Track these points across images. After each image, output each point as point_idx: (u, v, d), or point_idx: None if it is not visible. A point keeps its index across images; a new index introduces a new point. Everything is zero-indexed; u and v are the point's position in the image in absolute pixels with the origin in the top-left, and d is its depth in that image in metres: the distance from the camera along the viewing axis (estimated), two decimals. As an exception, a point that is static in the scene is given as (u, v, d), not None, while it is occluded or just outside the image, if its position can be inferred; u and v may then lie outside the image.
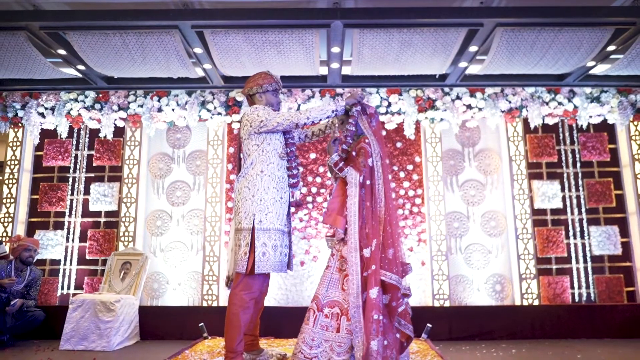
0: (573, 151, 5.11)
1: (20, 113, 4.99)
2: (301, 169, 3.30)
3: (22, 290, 4.35)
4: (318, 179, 4.99)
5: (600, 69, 4.62)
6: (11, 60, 4.11)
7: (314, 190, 4.98)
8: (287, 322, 4.28)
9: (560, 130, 5.13)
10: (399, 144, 5.07)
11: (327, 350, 2.62)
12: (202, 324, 4.24)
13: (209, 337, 4.21)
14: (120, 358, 3.75)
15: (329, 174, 4.65)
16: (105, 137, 4.96)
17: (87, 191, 5.10)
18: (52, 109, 4.98)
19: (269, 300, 4.76)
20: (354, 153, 2.90)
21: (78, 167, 5.15)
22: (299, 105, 4.91)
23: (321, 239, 4.89)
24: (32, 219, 5.08)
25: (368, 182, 2.77)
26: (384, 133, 5.04)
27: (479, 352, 3.82)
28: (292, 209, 3.28)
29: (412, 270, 2.82)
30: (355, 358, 2.57)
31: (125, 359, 3.71)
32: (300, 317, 2.83)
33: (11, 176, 5.03)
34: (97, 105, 4.96)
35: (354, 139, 3.00)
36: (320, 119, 2.99)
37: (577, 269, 4.86)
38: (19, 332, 4.25)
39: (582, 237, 4.92)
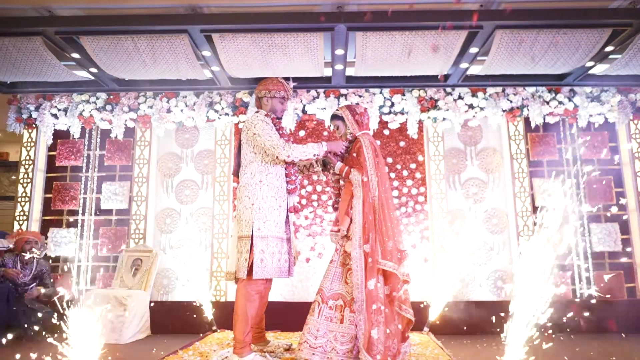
0: (574, 149, 5.19)
1: (34, 114, 5.18)
2: (299, 176, 3.40)
3: (29, 282, 4.48)
4: (323, 177, 5.11)
5: (600, 69, 4.70)
6: (27, 64, 4.26)
7: (319, 188, 5.11)
8: (293, 316, 4.38)
9: (561, 129, 5.22)
10: (402, 143, 5.17)
11: (332, 340, 2.75)
12: (211, 317, 4.38)
13: (218, 330, 4.35)
14: (132, 350, 3.89)
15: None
16: (116, 137, 5.13)
17: (98, 190, 5.25)
18: (65, 110, 5.15)
19: (276, 296, 4.88)
20: (354, 154, 3.03)
21: (90, 166, 5.31)
22: (304, 105, 5.04)
23: (326, 236, 5.01)
24: (46, 217, 5.24)
25: (365, 178, 2.89)
26: (387, 132, 5.16)
27: (480, 345, 3.93)
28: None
29: (409, 256, 2.94)
30: (359, 348, 2.69)
31: (137, 351, 3.86)
32: (306, 311, 2.95)
33: (26, 175, 5.20)
34: (108, 107, 5.12)
35: (349, 145, 3.14)
36: (301, 159, 3.05)
37: (578, 266, 4.95)
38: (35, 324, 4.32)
39: (583, 234, 5.01)
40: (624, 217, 5.02)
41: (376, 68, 4.51)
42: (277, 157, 3.03)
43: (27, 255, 4.56)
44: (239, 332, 2.94)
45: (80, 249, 5.13)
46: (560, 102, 4.97)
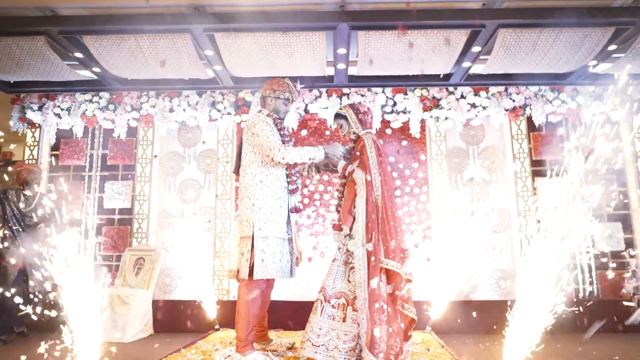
0: (576, 148, 5.17)
1: (38, 114, 5.18)
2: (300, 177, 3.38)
3: (33, 220, 4.25)
4: (325, 177, 5.12)
5: (602, 68, 4.69)
6: (31, 64, 4.28)
7: (321, 188, 5.11)
8: (295, 315, 4.40)
9: (564, 128, 5.20)
10: (404, 142, 5.17)
11: (334, 338, 2.75)
12: (214, 316, 4.39)
13: (221, 329, 4.36)
14: (135, 348, 3.90)
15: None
16: (118, 136, 5.15)
17: (101, 189, 5.27)
18: (68, 109, 5.17)
19: (278, 295, 4.88)
20: (357, 153, 3.03)
21: (93, 166, 5.32)
22: (306, 104, 5.04)
23: (328, 235, 5.01)
24: (49, 216, 5.26)
25: (369, 177, 2.89)
26: (389, 132, 5.16)
27: (482, 345, 3.92)
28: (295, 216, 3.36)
29: (411, 255, 2.93)
30: (361, 346, 2.69)
31: (140, 349, 3.87)
32: (309, 310, 2.95)
33: (29, 175, 5.21)
34: (111, 106, 5.14)
35: (351, 146, 3.14)
36: (296, 162, 3.01)
37: (581, 265, 4.94)
38: None
39: (585, 233, 4.99)
40: (627, 217, 5.01)
41: (378, 67, 4.51)
42: (272, 158, 3.02)
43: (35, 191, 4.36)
44: (241, 331, 2.95)
45: (84, 248, 5.13)
46: (563, 101, 4.96)
